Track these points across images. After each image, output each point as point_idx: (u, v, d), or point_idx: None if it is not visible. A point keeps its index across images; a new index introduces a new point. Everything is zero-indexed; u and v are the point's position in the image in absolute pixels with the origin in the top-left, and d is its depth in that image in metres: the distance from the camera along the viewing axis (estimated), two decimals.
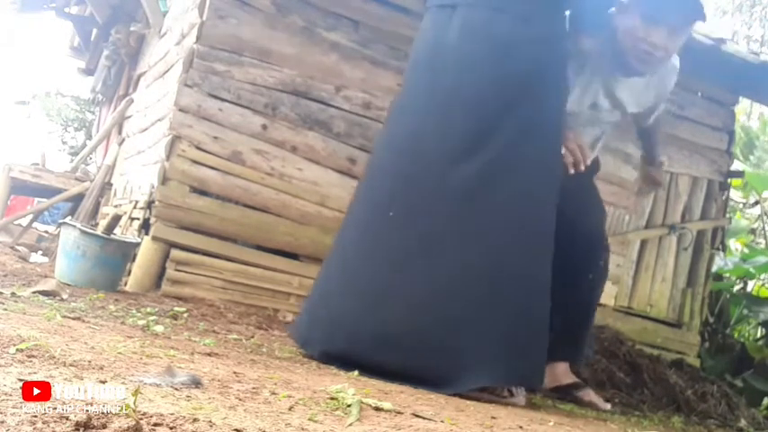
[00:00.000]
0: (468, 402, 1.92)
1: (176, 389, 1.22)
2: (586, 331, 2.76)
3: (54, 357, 1.26)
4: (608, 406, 2.65)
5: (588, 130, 2.65)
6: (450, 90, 2.24)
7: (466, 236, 2.13)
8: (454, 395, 1.98)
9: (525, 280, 2.14)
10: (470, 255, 2.11)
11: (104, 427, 0.90)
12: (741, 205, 6.23)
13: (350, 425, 1.23)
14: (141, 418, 0.94)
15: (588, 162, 2.44)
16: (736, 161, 5.62)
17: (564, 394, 2.68)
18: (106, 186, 5.01)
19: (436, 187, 2.17)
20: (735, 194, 5.85)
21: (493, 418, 1.69)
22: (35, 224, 6.57)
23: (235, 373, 1.54)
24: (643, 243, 4.24)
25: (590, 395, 2.68)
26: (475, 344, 2.06)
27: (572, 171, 2.37)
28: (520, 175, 2.16)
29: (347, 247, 2.33)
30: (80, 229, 2.98)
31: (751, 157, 6.35)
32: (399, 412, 1.44)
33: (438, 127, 2.22)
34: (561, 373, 2.75)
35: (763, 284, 5.15)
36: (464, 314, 2.08)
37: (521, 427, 1.62)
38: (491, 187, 2.14)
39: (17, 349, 1.26)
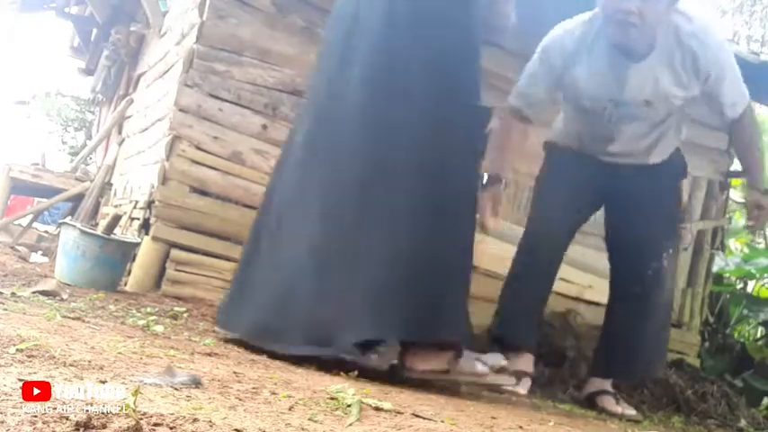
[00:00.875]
0: (468, 402, 1.92)
1: (176, 389, 1.22)
2: (629, 350, 2.70)
3: (54, 357, 1.26)
4: (618, 410, 2.64)
5: (627, 128, 2.57)
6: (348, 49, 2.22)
7: (370, 191, 2.09)
8: (454, 395, 1.98)
9: (427, 237, 2.06)
10: (372, 212, 2.07)
11: (104, 427, 0.90)
12: (741, 205, 6.22)
13: (350, 425, 1.23)
14: (141, 418, 0.94)
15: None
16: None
17: (590, 403, 2.73)
18: (106, 186, 5.01)
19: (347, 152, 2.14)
20: (735, 194, 5.85)
21: (493, 418, 1.69)
22: (35, 224, 6.57)
23: (235, 373, 1.54)
24: None
25: (604, 401, 2.69)
26: (375, 300, 2.01)
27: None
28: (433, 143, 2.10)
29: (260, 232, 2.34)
30: (80, 229, 2.98)
31: None
32: (399, 412, 1.44)
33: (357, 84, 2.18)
34: (592, 384, 2.79)
35: (763, 285, 5.15)
36: (365, 274, 2.03)
37: (521, 427, 1.62)
38: (399, 156, 2.09)
39: (17, 349, 1.26)
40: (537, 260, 2.76)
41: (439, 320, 2.04)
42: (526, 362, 2.73)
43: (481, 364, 2.07)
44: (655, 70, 2.45)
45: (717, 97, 2.50)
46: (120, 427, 0.89)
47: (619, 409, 2.63)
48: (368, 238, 2.05)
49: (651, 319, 2.69)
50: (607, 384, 2.76)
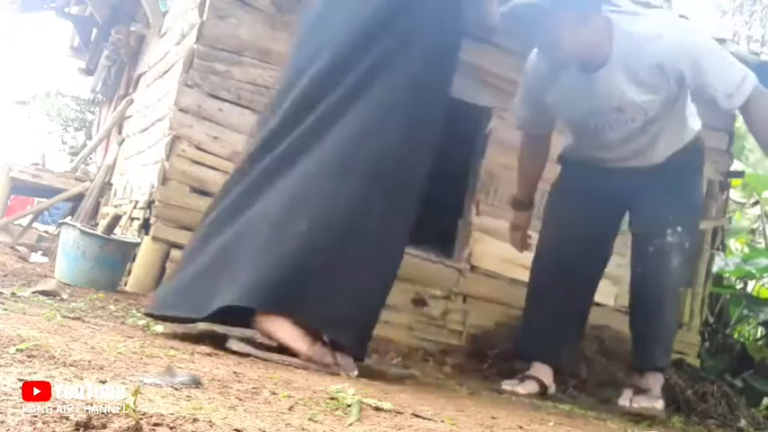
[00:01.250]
0: (468, 402, 1.92)
1: (176, 389, 1.22)
2: (654, 339, 2.69)
3: (54, 357, 1.26)
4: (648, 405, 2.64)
5: (614, 134, 2.57)
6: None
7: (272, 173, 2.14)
8: (454, 396, 1.98)
9: (327, 222, 2.07)
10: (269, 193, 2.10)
11: (104, 427, 0.90)
12: (741, 205, 6.23)
13: (350, 425, 1.23)
14: (141, 418, 0.94)
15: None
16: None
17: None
18: (106, 186, 5.01)
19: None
20: (735, 194, 5.85)
21: (493, 418, 1.69)
22: (35, 224, 6.57)
23: (235, 373, 1.54)
24: None
25: (627, 397, 2.69)
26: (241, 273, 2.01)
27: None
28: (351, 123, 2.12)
29: None
30: (80, 229, 2.98)
31: (742, 158, 6.35)
32: (399, 412, 1.44)
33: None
34: (640, 381, 2.76)
35: (763, 285, 5.15)
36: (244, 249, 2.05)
37: (521, 427, 1.62)
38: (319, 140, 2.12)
39: (17, 349, 1.26)
40: (551, 275, 2.77)
41: (310, 303, 2.03)
42: (543, 372, 2.75)
43: (332, 357, 2.05)
44: (614, 79, 2.44)
45: (705, 92, 2.41)
46: (120, 427, 0.89)
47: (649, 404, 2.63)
48: (254, 210, 2.09)
49: (663, 315, 2.68)
50: (647, 381, 2.72)
